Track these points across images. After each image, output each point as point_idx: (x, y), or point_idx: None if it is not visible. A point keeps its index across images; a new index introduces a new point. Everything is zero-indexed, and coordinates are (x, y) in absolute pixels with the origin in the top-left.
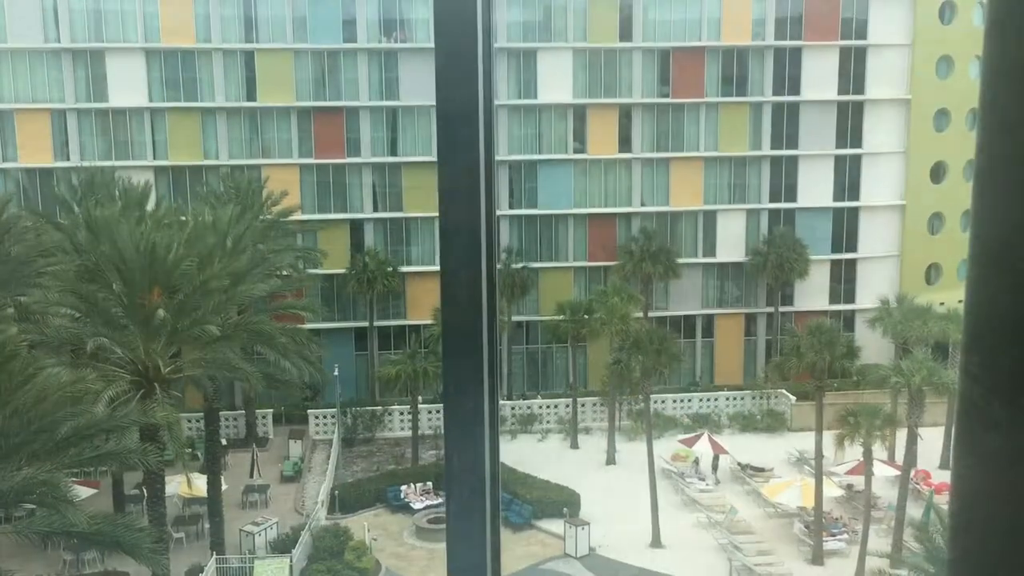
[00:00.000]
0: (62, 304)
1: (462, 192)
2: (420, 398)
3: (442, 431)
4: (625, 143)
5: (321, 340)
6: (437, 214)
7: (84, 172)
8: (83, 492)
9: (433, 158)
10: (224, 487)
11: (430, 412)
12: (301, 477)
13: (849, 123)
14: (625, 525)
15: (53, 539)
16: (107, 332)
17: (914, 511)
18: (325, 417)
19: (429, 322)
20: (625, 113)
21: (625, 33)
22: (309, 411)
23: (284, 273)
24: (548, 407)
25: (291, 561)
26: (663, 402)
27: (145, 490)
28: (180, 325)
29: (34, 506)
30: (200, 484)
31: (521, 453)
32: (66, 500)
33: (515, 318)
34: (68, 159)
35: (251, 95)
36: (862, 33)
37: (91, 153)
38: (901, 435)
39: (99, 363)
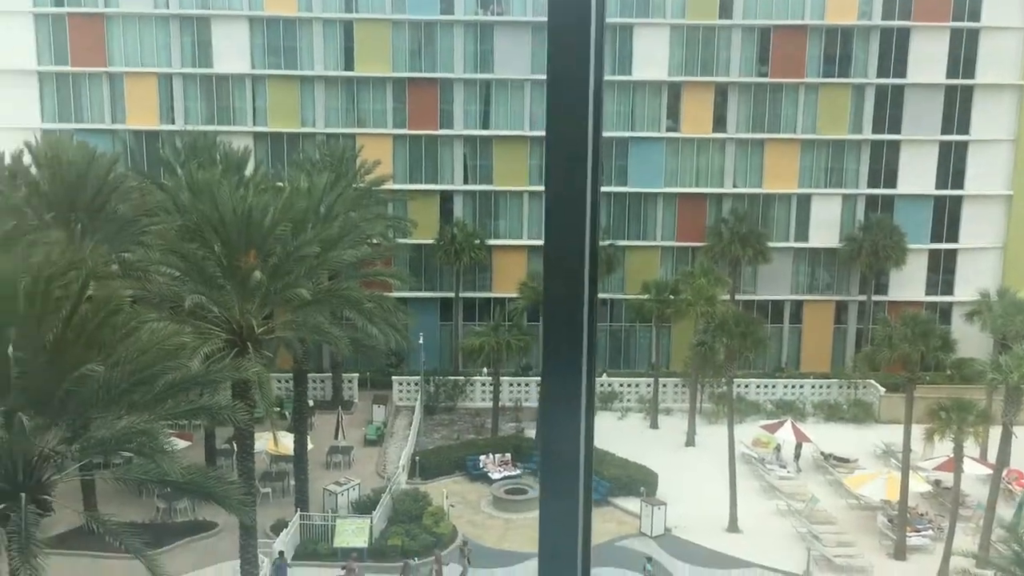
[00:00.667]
0: (164, 262)
1: (569, 166)
2: (502, 370)
3: (523, 404)
4: (720, 123)
5: (407, 308)
6: (526, 188)
7: (188, 136)
8: (177, 444)
9: (523, 132)
10: (310, 447)
11: (511, 384)
12: (383, 441)
13: (956, 108)
14: (702, 508)
15: (148, 487)
16: (205, 291)
17: (1004, 511)
18: (408, 384)
19: (514, 296)
20: (721, 92)
21: (725, 10)
22: (393, 378)
23: (374, 241)
24: (629, 386)
25: (372, 522)
26: (746, 386)
27: (235, 445)
28: (274, 287)
29: (132, 454)
30: (287, 443)
31: (600, 430)
32: (162, 450)
33: (600, 295)
34: (173, 122)
35: (349, 64)
36: (975, 15)
37: (195, 117)
38: (995, 433)
39: (196, 320)
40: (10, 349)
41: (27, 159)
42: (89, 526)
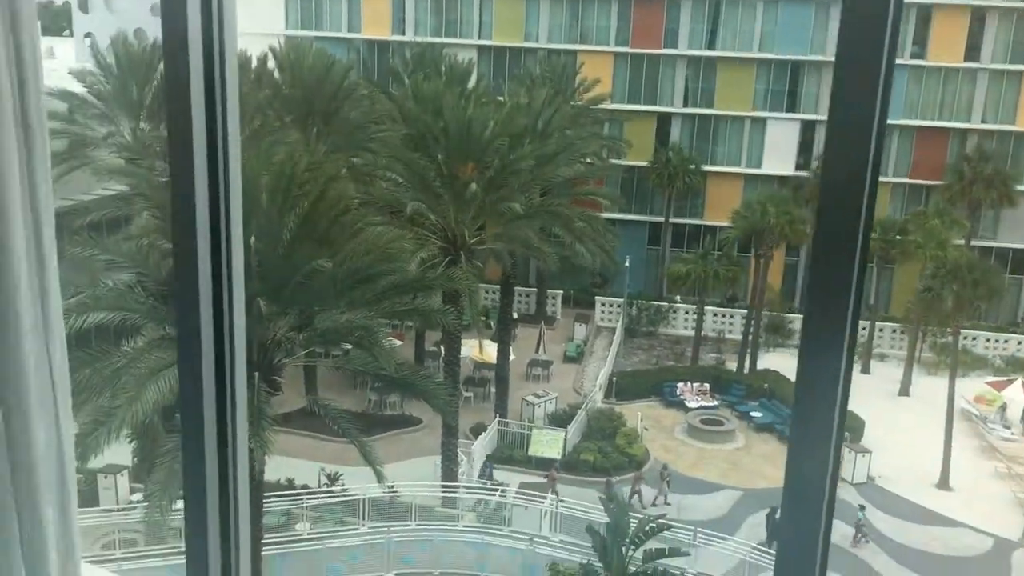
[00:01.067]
0: (388, 168)
1: (858, 93)
2: (707, 300)
3: (725, 335)
4: (973, 51)
5: (616, 230)
6: (749, 113)
7: (416, 47)
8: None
9: (751, 54)
10: (512, 357)
11: (715, 314)
12: (582, 359)
13: None
14: (911, 460)
15: (363, 378)
16: (424, 199)
17: None
18: (611, 305)
19: (726, 224)
20: (978, 17)
21: None
22: (596, 298)
23: (587, 160)
24: None
25: (566, 435)
26: (974, 339)
27: (443, 349)
28: (488, 199)
29: (351, 347)
30: (490, 351)
31: None
32: (380, 345)
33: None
34: (403, 34)
35: None
36: None
37: (424, 29)
38: None
39: (414, 226)
40: (252, 239)
41: (271, 63)
42: (311, 408)
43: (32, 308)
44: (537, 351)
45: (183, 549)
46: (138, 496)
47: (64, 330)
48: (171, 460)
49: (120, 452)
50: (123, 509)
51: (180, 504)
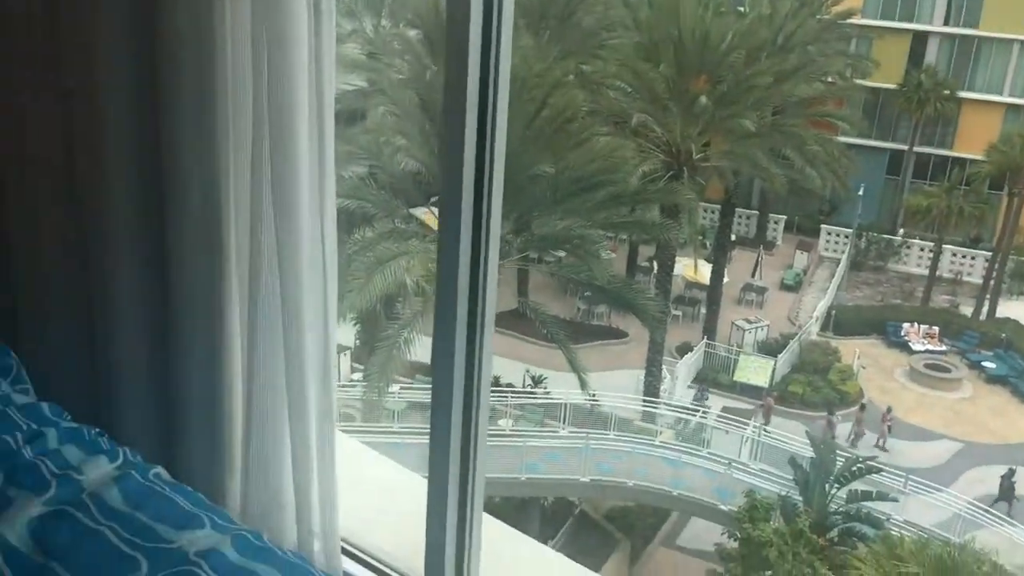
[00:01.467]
0: (617, 77)
1: None
2: (947, 238)
3: (963, 278)
4: None
5: (852, 155)
6: (1021, 37)
7: None
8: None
9: None
10: (725, 280)
11: (954, 254)
12: (800, 289)
13: None
14: None
15: (573, 286)
16: (651, 110)
17: None
18: (837, 235)
19: (978, 158)
20: None
21: None
22: (822, 226)
23: (829, 79)
24: None
25: (775, 364)
26: None
27: (656, 264)
28: (718, 115)
29: (566, 254)
30: (704, 271)
31: None
32: (594, 255)
33: None
34: None
35: None
36: None
37: None
38: None
39: (638, 138)
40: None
41: None
42: (522, 310)
43: (311, 187)
44: (753, 276)
45: (397, 429)
46: (358, 376)
47: (335, 210)
48: (389, 346)
49: (345, 333)
50: (344, 386)
51: (394, 388)
